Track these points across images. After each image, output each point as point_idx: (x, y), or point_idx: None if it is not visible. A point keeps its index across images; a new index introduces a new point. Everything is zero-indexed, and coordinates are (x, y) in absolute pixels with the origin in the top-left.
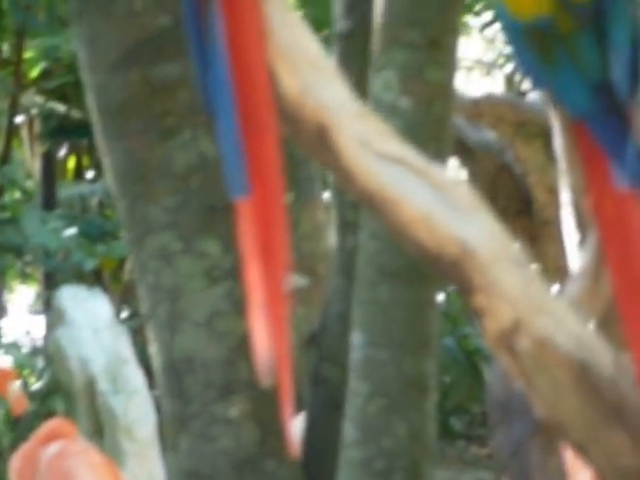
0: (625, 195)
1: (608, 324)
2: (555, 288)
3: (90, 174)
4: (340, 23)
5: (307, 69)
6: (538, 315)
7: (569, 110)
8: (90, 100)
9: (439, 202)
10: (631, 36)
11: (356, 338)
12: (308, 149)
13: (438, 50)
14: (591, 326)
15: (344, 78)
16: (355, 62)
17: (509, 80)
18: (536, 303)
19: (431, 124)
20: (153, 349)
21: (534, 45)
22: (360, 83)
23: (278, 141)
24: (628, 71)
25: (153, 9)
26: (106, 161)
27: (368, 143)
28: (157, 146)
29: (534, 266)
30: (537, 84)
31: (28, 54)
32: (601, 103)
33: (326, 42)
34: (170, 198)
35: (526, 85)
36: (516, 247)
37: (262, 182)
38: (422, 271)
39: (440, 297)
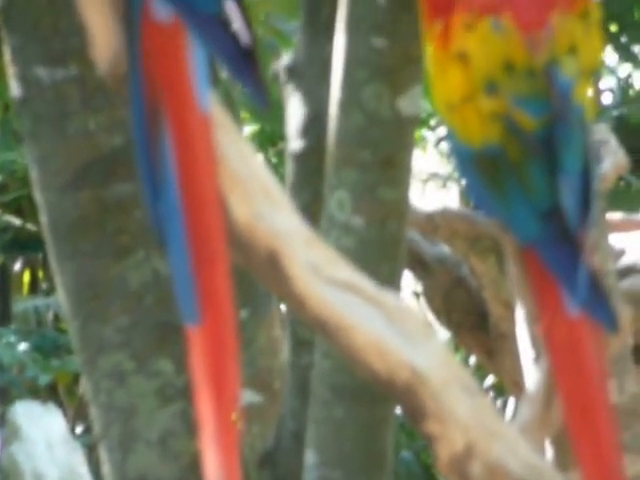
0: (576, 321)
1: (559, 446)
2: (511, 402)
3: (45, 285)
4: (294, 142)
5: (258, 196)
6: (490, 441)
7: (518, 237)
8: (42, 219)
9: (390, 329)
10: (582, 162)
11: (310, 458)
12: (259, 276)
13: (391, 169)
14: (542, 450)
15: (296, 202)
16: (309, 181)
17: (464, 193)
18: (488, 429)
19: (385, 242)
20: (106, 469)
21: (483, 171)
22: (315, 202)
23: (229, 268)
24: (579, 197)
25: (107, 129)
26: (58, 280)
27: (318, 270)
28: (110, 265)
29: (490, 379)
30: (486, 211)
31: None
32: (550, 230)
33: (280, 156)
34: (123, 317)
35: None
36: (467, 374)
37: (213, 311)
38: (376, 390)
39: (397, 409)
